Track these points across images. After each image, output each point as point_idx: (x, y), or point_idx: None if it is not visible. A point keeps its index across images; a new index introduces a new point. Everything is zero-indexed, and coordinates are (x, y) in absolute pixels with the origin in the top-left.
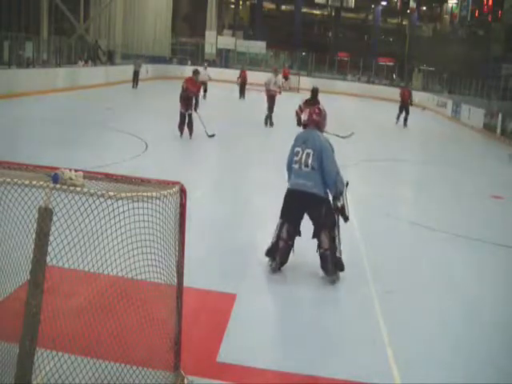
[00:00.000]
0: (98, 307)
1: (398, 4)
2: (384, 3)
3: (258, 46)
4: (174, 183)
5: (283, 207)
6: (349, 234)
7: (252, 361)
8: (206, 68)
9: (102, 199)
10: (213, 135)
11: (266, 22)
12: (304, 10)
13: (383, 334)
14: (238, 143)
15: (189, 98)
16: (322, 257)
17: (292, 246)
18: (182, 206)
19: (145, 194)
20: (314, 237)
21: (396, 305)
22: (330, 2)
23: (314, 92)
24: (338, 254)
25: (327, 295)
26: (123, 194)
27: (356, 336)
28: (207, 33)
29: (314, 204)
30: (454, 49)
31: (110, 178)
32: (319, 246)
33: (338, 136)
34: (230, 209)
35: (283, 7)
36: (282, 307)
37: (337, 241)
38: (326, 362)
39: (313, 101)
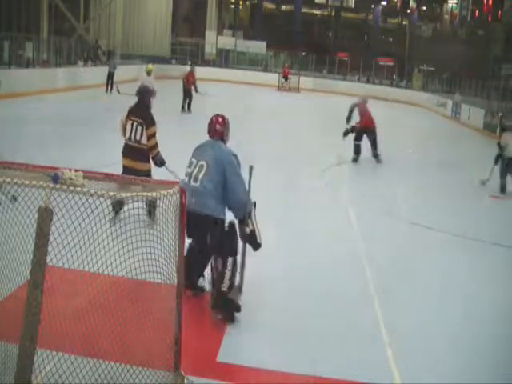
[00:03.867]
0: (98, 307)
1: (398, 4)
2: (384, 3)
3: (258, 46)
4: (174, 183)
5: None
6: (349, 233)
7: (252, 361)
8: (149, 73)
9: (101, 199)
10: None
11: (266, 21)
12: (304, 10)
13: (383, 334)
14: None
15: None
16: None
17: (198, 268)
18: (182, 206)
19: (145, 193)
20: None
21: (396, 305)
22: (329, 2)
23: (140, 93)
24: (224, 289)
25: (326, 295)
26: (123, 194)
27: (356, 336)
28: (207, 33)
29: (198, 226)
30: (454, 49)
31: (109, 177)
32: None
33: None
34: None
35: (283, 7)
36: (282, 307)
37: (228, 273)
38: (325, 362)
39: (140, 106)
